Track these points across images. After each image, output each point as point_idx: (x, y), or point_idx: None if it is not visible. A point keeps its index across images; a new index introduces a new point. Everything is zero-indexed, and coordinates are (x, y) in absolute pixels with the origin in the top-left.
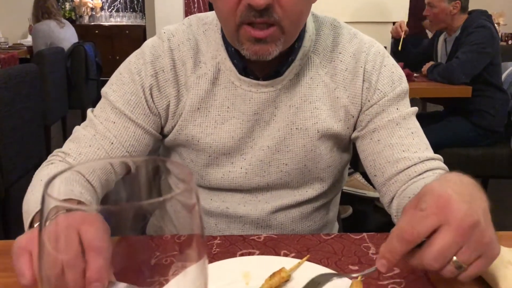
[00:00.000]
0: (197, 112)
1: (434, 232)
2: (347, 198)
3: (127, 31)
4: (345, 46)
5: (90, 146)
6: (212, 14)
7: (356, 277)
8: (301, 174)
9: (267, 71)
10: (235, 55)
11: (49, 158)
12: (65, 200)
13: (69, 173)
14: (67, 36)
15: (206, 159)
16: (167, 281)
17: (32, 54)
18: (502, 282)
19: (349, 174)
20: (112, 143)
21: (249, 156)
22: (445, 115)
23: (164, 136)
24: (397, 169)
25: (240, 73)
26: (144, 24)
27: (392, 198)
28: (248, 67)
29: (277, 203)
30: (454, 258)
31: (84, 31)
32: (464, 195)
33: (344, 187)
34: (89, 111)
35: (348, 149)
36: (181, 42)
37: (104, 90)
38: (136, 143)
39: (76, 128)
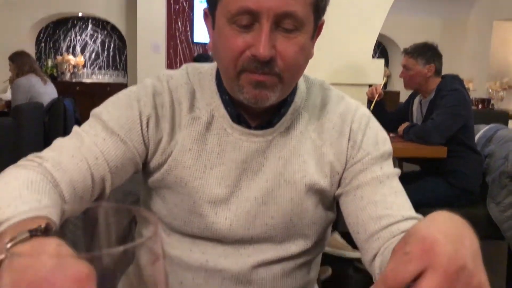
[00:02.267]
0: (188, 153)
1: (420, 275)
2: (326, 259)
3: (108, 88)
4: (332, 106)
5: (72, 156)
6: (206, 65)
7: None
8: (286, 229)
9: (259, 121)
10: (229, 103)
11: (21, 161)
12: (33, 218)
13: (41, 177)
14: (48, 91)
15: (190, 205)
16: None
17: (10, 108)
18: None
19: None
20: (97, 158)
21: (234, 207)
22: (421, 175)
23: (150, 173)
24: (380, 225)
25: (233, 121)
26: (126, 82)
27: (375, 256)
28: (241, 116)
29: (259, 257)
30: None
31: (65, 87)
32: (451, 236)
33: None
34: (75, 127)
35: (333, 208)
36: (179, 84)
37: (95, 110)
38: (121, 167)
39: (58, 139)
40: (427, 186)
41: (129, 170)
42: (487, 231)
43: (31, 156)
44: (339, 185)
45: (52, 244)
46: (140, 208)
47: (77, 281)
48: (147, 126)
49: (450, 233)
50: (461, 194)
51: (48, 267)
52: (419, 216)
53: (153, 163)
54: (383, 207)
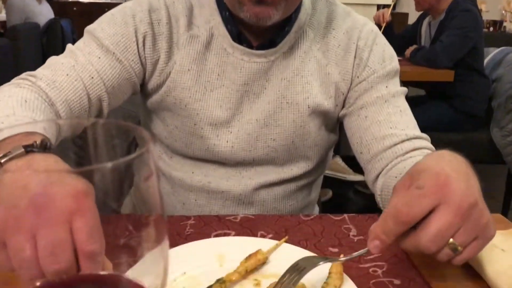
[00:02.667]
0: (187, 74)
1: (429, 212)
2: (327, 182)
3: (106, 9)
4: (339, 22)
5: (67, 75)
6: None
7: (346, 260)
8: (287, 151)
9: (262, 40)
10: (229, 20)
11: (15, 80)
12: (27, 134)
13: (36, 96)
14: (43, 11)
15: (191, 127)
16: (135, 262)
17: (6, 29)
18: (488, 266)
19: None
20: (92, 77)
21: (236, 129)
22: (426, 100)
23: (148, 95)
24: (383, 146)
25: (234, 40)
26: (124, 1)
27: (377, 176)
28: (242, 34)
29: (261, 179)
30: (451, 240)
31: (61, 7)
32: (462, 174)
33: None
34: (69, 45)
35: (335, 130)
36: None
37: (90, 27)
38: (118, 86)
39: (52, 57)
40: (431, 110)
41: (126, 91)
42: (488, 155)
43: (24, 75)
44: (343, 105)
45: (49, 160)
46: (137, 127)
47: (75, 196)
48: (144, 45)
49: (459, 170)
50: (465, 119)
51: (45, 183)
52: (424, 135)
53: (151, 84)
54: (387, 126)
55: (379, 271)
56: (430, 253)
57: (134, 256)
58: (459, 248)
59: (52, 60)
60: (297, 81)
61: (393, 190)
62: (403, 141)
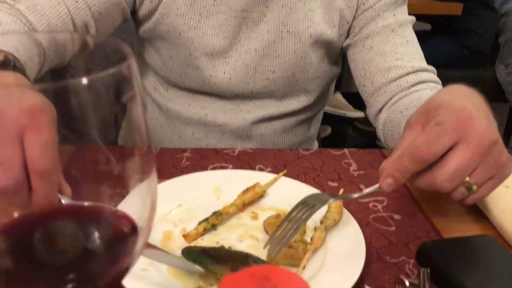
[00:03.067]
0: None
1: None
2: (327, 118)
3: None
4: None
5: None
6: None
7: (356, 198)
8: (288, 83)
9: None
10: None
11: None
12: None
13: (14, 19)
14: None
15: (186, 57)
16: (122, 196)
17: None
18: (491, 203)
19: None
20: (76, 1)
21: (233, 60)
22: (432, 35)
23: (141, 22)
24: (388, 78)
25: None
26: None
27: (380, 110)
28: None
29: (259, 113)
30: (467, 178)
31: None
32: (482, 110)
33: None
34: None
35: (338, 62)
36: None
37: None
38: (105, 12)
39: None
40: (436, 45)
41: (116, 17)
42: (490, 93)
43: None
44: (347, 35)
45: (10, 77)
46: (118, 41)
47: (29, 111)
48: None
49: (480, 107)
50: (470, 55)
51: (1, 97)
52: (430, 67)
53: (142, 11)
54: (392, 57)
55: (379, 206)
56: (445, 192)
57: (120, 189)
58: (474, 187)
59: None
60: (299, 7)
61: (406, 126)
62: (408, 74)
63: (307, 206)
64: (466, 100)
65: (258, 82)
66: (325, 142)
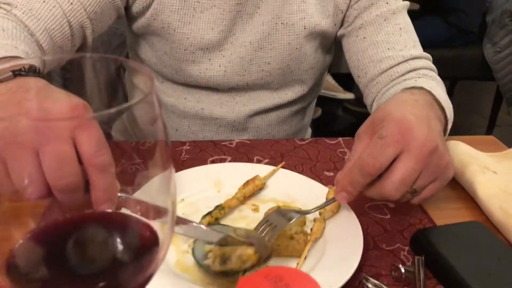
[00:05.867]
0: None
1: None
2: (317, 100)
3: None
4: None
5: (44, 1)
6: None
7: (314, 211)
8: (282, 74)
9: None
10: None
11: None
12: (10, 60)
13: (14, 25)
14: None
15: (181, 52)
16: (133, 190)
17: None
18: (480, 189)
19: None
20: (71, 3)
21: (228, 53)
22: (420, 14)
23: (134, 18)
24: (379, 69)
25: None
26: None
27: (373, 101)
28: None
29: (255, 106)
30: None
31: None
32: (423, 118)
33: None
34: None
35: (331, 50)
36: None
37: None
38: (100, 11)
39: None
40: (425, 25)
41: (110, 16)
42: (478, 72)
43: None
44: (341, 25)
45: (40, 82)
46: (129, 60)
47: (75, 109)
48: None
49: (421, 114)
50: (458, 34)
51: (40, 98)
52: (424, 54)
53: (136, 7)
54: (384, 47)
55: None
56: (393, 199)
57: (139, 185)
58: (418, 190)
59: None
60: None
61: (356, 137)
62: (399, 64)
63: (270, 226)
64: (409, 109)
65: (254, 74)
66: (316, 124)
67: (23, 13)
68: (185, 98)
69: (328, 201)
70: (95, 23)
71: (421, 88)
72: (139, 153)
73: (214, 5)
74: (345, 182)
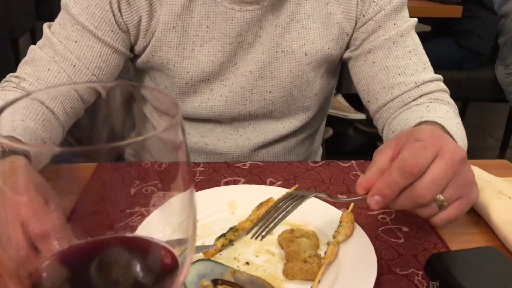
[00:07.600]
0: (173, 32)
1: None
2: (328, 120)
3: None
4: None
5: (49, 70)
6: None
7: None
8: (285, 103)
9: None
10: None
11: (1, 84)
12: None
13: (25, 101)
14: None
15: (182, 86)
16: (148, 212)
17: None
18: (495, 214)
19: None
20: (74, 65)
21: (229, 83)
22: (432, 37)
23: (136, 56)
24: (391, 95)
25: None
26: None
27: (384, 125)
28: None
29: (259, 139)
30: (439, 196)
31: None
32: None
33: None
34: (45, 26)
35: (337, 72)
36: None
37: (64, 1)
38: (104, 65)
39: (32, 48)
40: (436, 47)
41: (118, 63)
42: (490, 94)
43: (8, 77)
44: (347, 47)
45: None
46: (147, 86)
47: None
48: (119, 10)
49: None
50: (470, 56)
51: None
52: (436, 76)
53: (138, 47)
54: (395, 73)
55: (388, 218)
56: (422, 202)
57: (157, 203)
58: (445, 203)
59: (32, 52)
60: (292, 27)
61: (377, 152)
62: (411, 89)
63: (292, 198)
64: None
65: (255, 103)
66: (327, 145)
67: (30, 85)
68: (188, 133)
69: (357, 198)
70: (102, 76)
71: (433, 123)
72: (161, 175)
73: (214, 38)
74: (381, 184)
